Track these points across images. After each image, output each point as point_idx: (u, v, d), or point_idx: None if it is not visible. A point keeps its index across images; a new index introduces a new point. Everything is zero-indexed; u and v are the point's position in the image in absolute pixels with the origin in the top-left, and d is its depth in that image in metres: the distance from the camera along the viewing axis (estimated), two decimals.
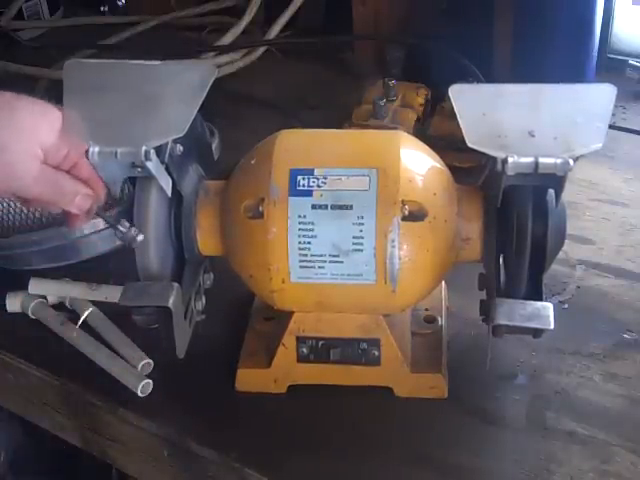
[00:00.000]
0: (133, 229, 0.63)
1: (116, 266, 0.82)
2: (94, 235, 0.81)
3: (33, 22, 1.39)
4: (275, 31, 1.21)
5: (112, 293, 0.78)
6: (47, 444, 0.96)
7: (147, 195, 0.63)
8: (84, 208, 0.63)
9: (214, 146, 0.99)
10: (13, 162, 0.58)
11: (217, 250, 0.67)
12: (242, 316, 0.75)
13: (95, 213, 0.64)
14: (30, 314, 0.80)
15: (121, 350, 0.74)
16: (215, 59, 1.18)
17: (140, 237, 0.63)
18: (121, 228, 0.63)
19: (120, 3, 1.44)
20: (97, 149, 0.58)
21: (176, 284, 0.63)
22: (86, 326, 0.77)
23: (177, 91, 0.61)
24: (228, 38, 1.20)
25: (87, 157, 0.58)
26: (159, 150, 0.60)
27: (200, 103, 0.60)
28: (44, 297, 0.81)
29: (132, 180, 0.64)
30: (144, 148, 0.58)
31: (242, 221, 0.63)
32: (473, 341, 0.72)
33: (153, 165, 0.59)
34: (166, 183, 0.62)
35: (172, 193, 0.64)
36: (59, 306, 0.81)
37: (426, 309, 0.74)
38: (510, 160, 0.56)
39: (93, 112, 0.61)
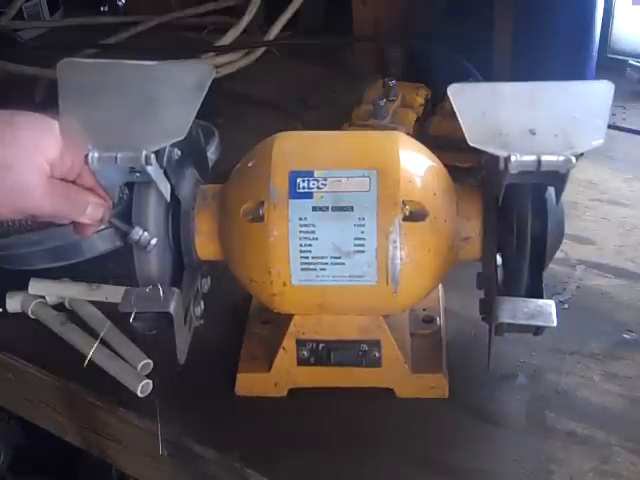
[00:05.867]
0: (146, 233, 0.63)
1: (116, 266, 0.82)
2: (94, 235, 0.81)
3: (33, 22, 1.40)
4: (275, 31, 1.21)
5: (112, 293, 0.78)
6: (47, 444, 0.96)
7: (145, 200, 0.63)
8: (96, 217, 0.62)
9: (214, 146, 0.99)
10: (21, 180, 0.57)
11: (216, 254, 0.67)
12: (240, 320, 0.75)
13: (108, 221, 0.63)
14: (30, 314, 0.80)
15: (121, 350, 0.74)
16: (215, 59, 1.18)
17: (154, 241, 0.63)
18: (134, 234, 0.63)
19: (120, 3, 1.44)
20: (97, 154, 0.58)
21: (176, 289, 0.63)
22: (86, 326, 0.77)
23: (175, 92, 0.60)
24: (228, 38, 1.20)
25: (86, 163, 0.58)
26: (157, 154, 0.59)
27: (199, 104, 0.60)
28: (44, 297, 0.81)
29: (128, 184, 0.63)
30: (144, 152, 0.57)
31: (241, 225, 0.63)
32: (473, 341, 0.72)
33: (153, 170, 0.59)
34: (165, 188, 0.62)
35: (170, 198, 0.63)
36: (59, 306, 0.81)
37: (424, 309, 0.74)
38: (513, 158, 0.56)
39: (90, 115, 0.60)
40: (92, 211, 0.61)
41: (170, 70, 0.62)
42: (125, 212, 0.64)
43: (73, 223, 0.63)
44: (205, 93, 0.60)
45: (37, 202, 0.59)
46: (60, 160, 0.59)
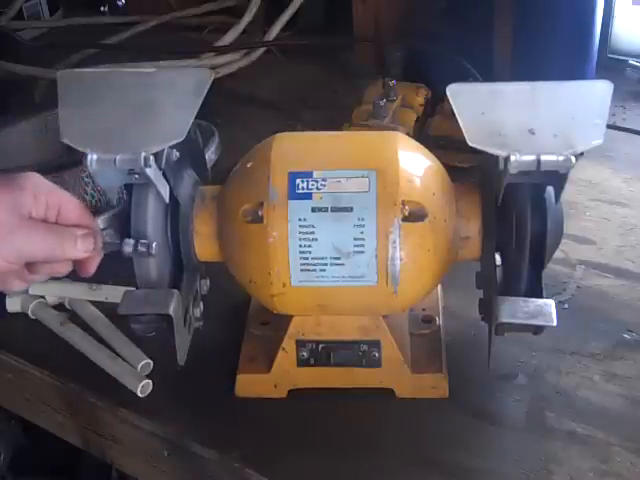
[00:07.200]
0: (141, 242, 0.62)
1: (116, 266, 0.82)
2: None
3: (33, 22, 1.40)
4: (275, 31, 1.22)
5: (112, 293, 0.79)
6: (47, 444, 0.96)
7: (144, 202, 0.63)
8: (89, 248, 0.61)
9: (214, 146, 0.99)
10: (4, 224, 0.58)
11: (215, 256, 0.67)
12: (239, 320, 0.75)
13: (102, 249, 0.62)
14: (30, 314, 0.80)
15: (121, 350, 0.74)
16: (215, 59, 1.18)
17: (154, 244, 0.62)
18: (125, 247, 0.62)
19: (120, 3, 1.44)
20: (95, 156, 0.58)
21: (176, 291, 0.63)
22: (86, 326, 0.77)
23: (174, 97, 0.61)
24: (228, 38, 1.20)
25: (85, 165, 0.58)
26: (156, 156, 0.59)
27: (197, 108, 0.60)
28: (44, 297, 0.81)
29: (126, 187, 0.63)
30: (143, 154, 0.57)
31: (241, 226, 0.63)
32: (473, 341, 0.72)
33: (152, 171, 0.59)
34: (163, 189, 0.62)
35: (169, 199, 0.63)
36: (59, 306, 0.81)
37: (423, 309, 0.74)
38: (512, 158, 0.56)
39: (90, 121, 0.60)
40: (82, 243, 0.61)
41: (169, 76, 0.63)
42: (123, 214, 0.64)
43: (75, 265, 0.63)
44: (203, 97, 0.60)
45: (25, 241, 0.59)
46: (35, 201, 0.59)
